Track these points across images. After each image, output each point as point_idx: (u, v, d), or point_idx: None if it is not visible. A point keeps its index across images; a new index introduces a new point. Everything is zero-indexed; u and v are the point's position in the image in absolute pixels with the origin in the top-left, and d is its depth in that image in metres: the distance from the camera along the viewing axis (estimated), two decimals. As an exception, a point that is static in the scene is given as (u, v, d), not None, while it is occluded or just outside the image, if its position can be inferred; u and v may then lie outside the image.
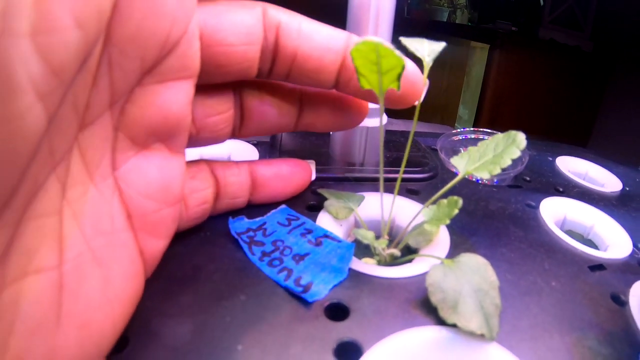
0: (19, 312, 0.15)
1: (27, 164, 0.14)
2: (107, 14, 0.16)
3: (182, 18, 0.19)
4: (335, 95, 0.30)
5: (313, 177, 0.34)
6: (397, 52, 0.21)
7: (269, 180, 0.30)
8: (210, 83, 0.25)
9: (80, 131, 0.18)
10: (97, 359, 0.18)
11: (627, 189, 0.45)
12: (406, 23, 1.98)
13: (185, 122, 0.22)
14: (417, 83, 0.27)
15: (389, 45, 0.20)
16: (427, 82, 0.27)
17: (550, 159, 0.50)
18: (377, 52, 0.21)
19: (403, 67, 0.22)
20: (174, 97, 0.21)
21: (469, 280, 0.22)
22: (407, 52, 0.24)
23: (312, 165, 0.33)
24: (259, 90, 0.28)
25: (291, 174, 0.31)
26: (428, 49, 0.25)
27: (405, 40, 0.25)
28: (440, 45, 0.26)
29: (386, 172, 0.38)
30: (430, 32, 1.93)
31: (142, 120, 0.20)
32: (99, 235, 0.19)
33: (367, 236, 0.26)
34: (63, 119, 0.16)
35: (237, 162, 0.29)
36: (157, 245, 0.22)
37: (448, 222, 0.25)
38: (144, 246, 0.21)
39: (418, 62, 0.26)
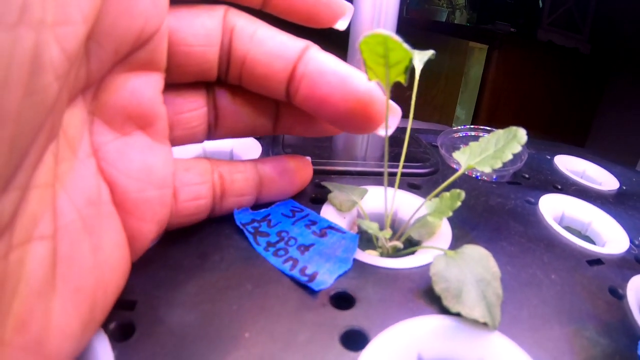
0: (23, 276, 0.16)
1: (38, 134, 0.16)
2: (98, 10, 0.18)
3: (154, 18, 0.21)
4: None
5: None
6: (406, 45, 0.21)
7: (275, 177, 0.30)
8: (172, 82, 0.25)
9: (65, 110, 0.19)
10: (91, 325, 0.19)
11: (624, 188, 0.46)
12: (405, 23, 1.98)
13: (158, 111, 0.23)
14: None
15: (397, 38, 0.21)
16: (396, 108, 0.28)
17: (549, 157, 0.51)
18: (386, 45, 0.21)
19: (410, 61, 0.22)
20: (144, 86, 0.22)
21: (472, 270, 0.23)
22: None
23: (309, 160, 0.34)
24: (232, 90, 0.28)
25: (296, 170, 0.31)
26: (417, 57, 0.25)
27: None
28: (428, 53, 0.26)
29: (389, 166, 0.38)
30: (429, 32, 1.93)
31: (115, 106, 0.21)
32: (88, 206, 0.19)
33: (371, 226, 0.26)
34: (59, 98, 0.17)
35: (242, 161, 0.29)
36: (143, 227, 0.22)
37: (450, 214, 0.25)
38: (128, 224, 0.22)
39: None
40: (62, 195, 0.18)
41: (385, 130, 0.26)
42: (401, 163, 0.28)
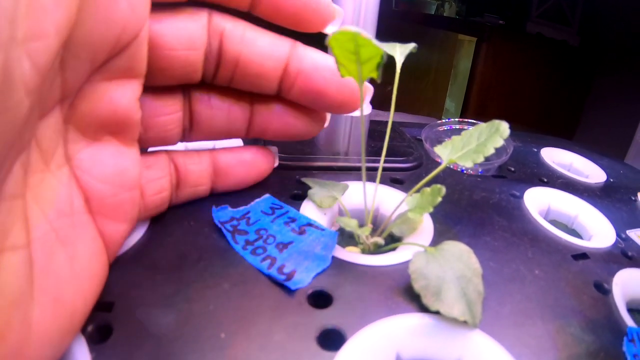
0: None
1: (8, 151, 0.15)
2: (73, 21, 0.17)
3: (132, 26, 0.20)
4: (285, 103, 0.30)
5: (276, 163, 0.34)
6: (376, 42, 0.20)
7: (231, 167, 0.30)
8: (155, 85, 0.25)
9: (38, 122, 0.19)
10: (71, 332, 0.19)
11: (612, 180, 0.46)
12: (394, 15, 1.98)
13: (133, 118, 0.23)
14: (347, 88, 0.28)
15: (367, 34, 0.20)
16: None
17: (535, 150, 0.50)
18: (356, 42, 0.21)
19: (382, 57, 0.22)
20: (121, 94, 0.22)
21: (452, 267, 0.22)
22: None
23: (274, 151, 0.33)
24: (208, 94, 0.28)
25: (253, 161, 0.31)
26: (399, 50, 0.26)
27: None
28: (410, 46, 0.26)
29: (371, 161, 0.38)
30: (417, 24, 1.93)
31: (91, 115, 0.21)
32: (61, 217, 0.19)
33: (350, 224, 0.26)
34: (32, 112, 0.17)
35: (198, 151, 0.29)
36: (118, 228, 0.23)
37: (431, 210, 0.25)
38: (104, 229, 0.22)
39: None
40: (33, 207, 0.18)
41: (360, 111, 0.26)
42: (382, 157, 0.28)
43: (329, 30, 0.27)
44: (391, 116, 0.28)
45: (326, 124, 0.32)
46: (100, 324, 0.21)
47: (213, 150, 0.30)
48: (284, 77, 0.27)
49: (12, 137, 0.15)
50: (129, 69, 0.22)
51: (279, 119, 0.30)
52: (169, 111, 0.27)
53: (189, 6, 0.25)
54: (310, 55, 0.27)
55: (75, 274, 0.19)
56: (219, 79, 0.26)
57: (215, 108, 0.28)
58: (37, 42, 0.15)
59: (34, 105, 0.16)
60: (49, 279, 0.18)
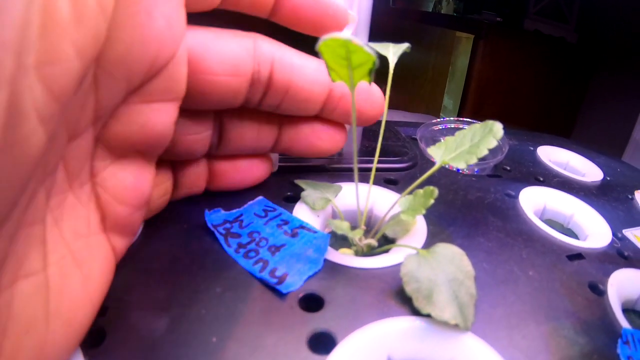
0: (11, 315, 0.15)
1: (27, 182, 0.15)
2: (102, 40, 0.16)
3: (170, 43, 0.20)
4: (312, 125, 0.30)
5: (275, 168, 0.34)
6: (367, 48, 0.20)
7: (227, 172, 0.30)
8: (192, 108, 0.25)
9: (68, 144, 0.18)
10: (76, 347, 0.19)
11: (608, 178, 0.46)
12: (391, 13, 1.98)
13: (166, 140, 0.23)
14: (378, 103, 0.29)
15: (357, 41, 0.20)
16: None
17: (532, 148, 0.50)
18: (347, 48, 0.20)
19: (374, 63, 0.22)
20: (157, 117, 0.21)
21: (444, 270, 0.22)
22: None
23: (274, 158, 0.33)
24: (240, 114, 0.28)
25: (249, 167, 0.31)
26: (392, 50, 0.27)
27: (372, 45, 0.26)
28: (403, 46, 0.27)
29: (365, 161, 0.38)
30: (415, 22, 1.92)
31: (124, 136, 0.21)
32: (77, 239, 0.19)
33: (342, 227, 0.26)
34: (57, 137, 0.16)
35: None
36: (125, 242, 0.23)
37: (424, 212, 0.25)
38: (115, 245, 0.22)
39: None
40: (52, 230, 0.18)
41: (353, 113, 0.26)
42: (376, 158, 0.28)
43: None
44: (384, 116, 0.28)
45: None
46: (93, 328, 0.20)
47: (210, 155, 0.30)
48: (327, 100, 0.28)
49: (28, 169, 0.14)
50: (167, 91, 0.21)
51: (305, 138, 0.30)
52: (200, 130, 0.27)
53: (232, 28, 0.25)
54: None
55: (88, 293, 0.19)
56: (264, 105, 0.27)
57: (246, 127, 0.29)
58: (53, 66, 0.14)
59: (56, 131, 0.16)
60: (63, 302, 0.18)
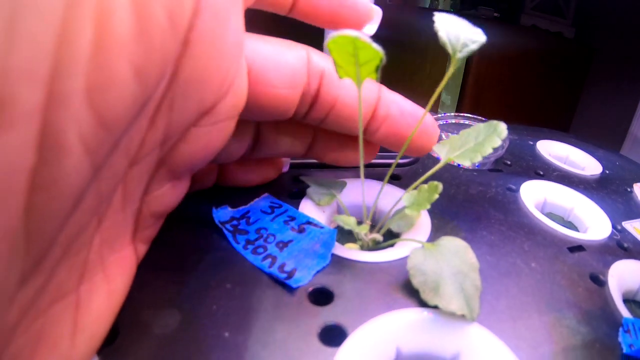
0: (42, 337, 0.15)
1: (69, 214, 0.13)
2: (170, 59, 0.15)
3: (237, 55, 0.19)
4: (344, 137, 0.30)
5: (285, 169, 0.34)
6: (374, 45, 0.21)
7: (237, 170, 0.30)
8: (246, 119, 0.24)
9: (129, 168, 0.18)
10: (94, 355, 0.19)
11: (607, 172, 0.46)
12: (388, 9, 1.97)
13: (217, 154, 0.22)
14: (432, 136, 0.29)
15: (366, 38, 0.20)
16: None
17: (531, 143, 0.51)
18: (355, 45, 0.21)
19: (381, 60, 0.22)
20: (219, 135, 0.21)
21: (449, 262, 0.23)
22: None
23: (285, 160, 0.34)
24: (277, 122, 0.28)
25: (259, 167, 0.31)
26: (462, 39, 0.24)
27: (440, 21, 0.24)
28: (479, 37, 0.24)
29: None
30: (413, 17, 1.92)
31: (187, 157, 0.20)
32: (112, 254, 0.19)
33: (348, 222, 0.26)
34: (113, 163, 0.15)
35: None
36: (146, 248, 0.23)
37: (428, 207, 0.25)
38: (139, 253, 0.22)
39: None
40: (94, 252, 0.18)
41: (359, 108, 0.26)
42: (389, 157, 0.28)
43: (367, 30, 0.27)
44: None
45: None
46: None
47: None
48: (371, 120, 0.27)
49: (69, 203, 0.13)
50: (233, 108, 0.20)
51: (337, 149, 0.30)
52: (242, 137, 0.27)
53: (285, 38, 0.24)
54: (396, 100, 0.28)
55: (112, 306, 0.19)
56: (308, 118, 0.26)
57: (281, 134, 0.28)
58: (107, 91, 0.12)
59: (110, 159, 0.15)
60: (89, 317, 0.18)
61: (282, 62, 0.23)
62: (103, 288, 0.18)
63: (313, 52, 0.25)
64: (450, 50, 0.24)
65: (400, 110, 0.27)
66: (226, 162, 0.28)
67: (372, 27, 0.27)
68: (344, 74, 0.24)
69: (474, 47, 0.24)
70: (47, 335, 0.15)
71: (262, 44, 0.23)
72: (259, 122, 0.27)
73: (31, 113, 0.10)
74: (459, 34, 0.24)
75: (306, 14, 0.26)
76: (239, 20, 0.19)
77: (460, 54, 0.24)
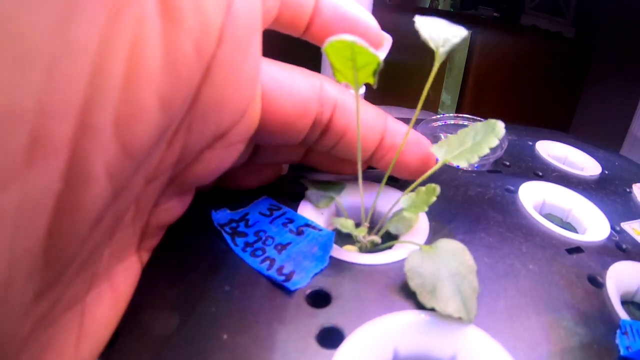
0: (49, 344, 0.15)
1: (88, 235, 0.14)
2: (193, 88, 0.15)
3: (254, 81, 0.19)
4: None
5: (285, 171, 0.34)
6: (372, 50, 0.21)
7: (235, 173, 0.30)
8: (255, 143, 0.25)
9: (145, 187, 0.18)
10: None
11: (606, 172, 0.46)
12: (388, 9, 1.98)
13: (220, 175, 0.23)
14: (429, 158, 0.29)
15: (363, 43, 0.20)
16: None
17: (530, 143, 0.51)
18: (352, 50, 0.21)
19: (379, 64, 0.22)
20: (230, 157, 0.21)
21: (447, 264, 0.23)
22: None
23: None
24: None
25: (258, 169, 0.31)
26: (444, 35, 0.24)
27: (420, 22, 0.25)
28: (460, 32, 0.25)
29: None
30: (411, 18, 1.92)
31: (198, 176, 0.21)
32: (118, 263, 0.19)
33: (346, 225, 0.26)
34: (132, 185, 0.16)
35: None
36: (149, 255, 0.23)
37: (426, 209, 0.25)
38: (143, 260, 0.22)
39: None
40: (104, 264, 0.18)
41: (357, 111, 0.26)
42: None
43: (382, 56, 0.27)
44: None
45: None
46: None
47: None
48: (377, 149, 0.28)
49: (90, 225, 0.13)
50: (245, 131, 0.20)
51: (330, 160, 0.31)
52: (246, 149, 0.26)
53: (298, 66, 0.24)
54: (402, 131, 0.28)
55: (117, 313, 0.19)
56: (319, 145, 0.27)
57: (277, 145, 0.29)
58: (134, 122, 0.12)
59: (130, 182, 0.15)
60: (94, 325, 0.18)
61: (295, 90, 0.23)
62: (108, 295, 0.18)
63: (326, 82, 0.25)
64: (432, 45, 0.24)
65: (406, 142, 0.28)
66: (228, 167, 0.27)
67: (382, 54, 0.27)
68: (342, 77, 0.24)
69: (455, 40, 0.24)
70: (53, 344, 0.15)
71: (277, 69, 0.23)
72: None
73: (62, 146, 0.10)
74: (440, 31, 0.24)
75: (319, 38, 0.26)
76: (258, 47, 0.19)
77: (443, 49, 0.24)
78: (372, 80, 0.23)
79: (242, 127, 0.20)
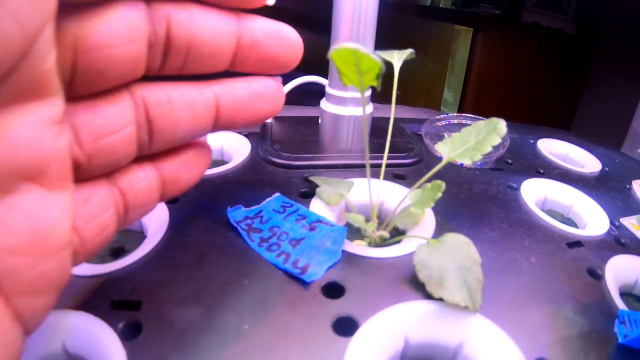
0: None
1: None
2: None
3: (17, 41, 0.15)
4: (250, 89, 0.25)
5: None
6: (373, 56, 0.22)
7: (179, 173, 0.25)
8: (91, 92, 0.20)
9: None
10: None
11: (607, 169, 0.47)
12: (391, 8, 1.98)
13: (51, 151, 0.17)
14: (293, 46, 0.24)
15: (365, 50, 0.22)
16: None
17: (532, 141, 0.52)
18: (356, 56, 0.22)
19: (381, 69, 0.23)
20: (20, 124, 0.16)
21: (453, 257, 0.24)
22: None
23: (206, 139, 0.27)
24: (166, 95, 0.23)
25: (197, 159, 0.25)
26: (397, 56, 0.29)
27: (379, 53, 0.28)
28: (406, 52, 0.29)
29: (373, 158, 0.39)
30: (414, 16, 1.92)
31: None
32: None
33: (357, 220, 0.28)
34: None
35: (140, 164, 0.23)
36: (40, 302, 0.18)
37: (432, 204, 0.26)
38: (22, 309, 0.17)
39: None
40: None
41: (363, 111, 0.27)
42: (385, 155, 0.30)
43: (270, 1, 0.24)
44: (392, 115, 0.30)
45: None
46: (130, 321, 0.22)
47: (154, 158, 0.24)
48: (237, 51, 0.24)
49: None
50: (28, 91, 0.16)
51: (246, 105, 0.25)
52: (117, 127, 0.21)
53: None
54: (259, 24, 0.24)
55: None
56: (167, 68, 0.22)
57: (177, 110, 0.23)
58: None
59: None
60: None
61: (114, 18, 0.19)
62: None
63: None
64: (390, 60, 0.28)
65: (264, 32, 0.24)
66: (117, 165, 0.22)
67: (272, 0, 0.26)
68: (348, 81, 0.25)
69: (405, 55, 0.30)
70: None
71: (88, 8, 0.19)
72: (144, 104, 0.22)
73: None
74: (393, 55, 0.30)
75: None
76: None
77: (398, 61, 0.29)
78: (376, 83, 0.24)
79: (17, 87, 0.16)
